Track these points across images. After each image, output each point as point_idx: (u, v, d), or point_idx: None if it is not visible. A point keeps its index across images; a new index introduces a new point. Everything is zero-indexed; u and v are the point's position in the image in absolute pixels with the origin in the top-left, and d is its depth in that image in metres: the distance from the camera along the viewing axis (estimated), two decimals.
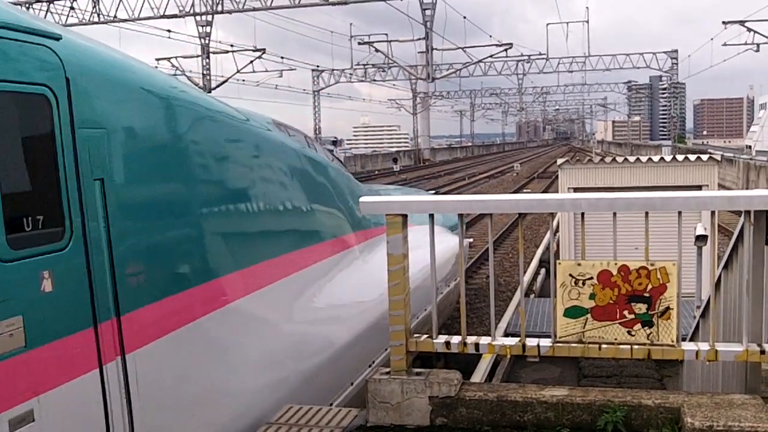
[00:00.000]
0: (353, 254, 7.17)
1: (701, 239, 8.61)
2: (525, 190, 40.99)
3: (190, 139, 4.39)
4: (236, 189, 4.95)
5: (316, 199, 6.43)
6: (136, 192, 3.73)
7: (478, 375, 8.94)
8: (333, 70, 62.09)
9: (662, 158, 12.37)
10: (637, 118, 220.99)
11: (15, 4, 36.10)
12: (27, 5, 37.07)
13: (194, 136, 4.44)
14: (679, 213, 3.85)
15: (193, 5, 36.07)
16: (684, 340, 4.10)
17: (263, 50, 44.93)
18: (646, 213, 3.86)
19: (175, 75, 45.20)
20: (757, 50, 43.79)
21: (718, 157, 12.78)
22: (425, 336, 4.19)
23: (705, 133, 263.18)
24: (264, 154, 5.54)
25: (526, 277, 15.09)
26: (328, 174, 7.02)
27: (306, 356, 5.48)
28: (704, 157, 12.26)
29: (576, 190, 12.13)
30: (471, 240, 21.97)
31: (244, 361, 4.62)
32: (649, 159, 12.38)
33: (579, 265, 3.84)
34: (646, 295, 3.75)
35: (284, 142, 6.08)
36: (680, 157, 12.37)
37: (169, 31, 39.65)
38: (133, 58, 4.32)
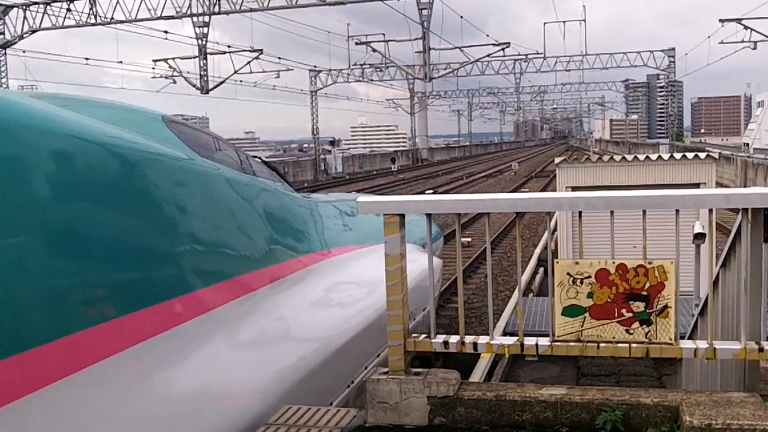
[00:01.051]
0: (263, 296, 5.16)
1: (699, 237, 8.63)
2: (523, 190, 41.01)
3: None
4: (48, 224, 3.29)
5: (206, 225, 4.66)
6: None
7: (477, 374, 8.94)
8: (330, 70, 62.03)
9: (660, 156, 12.38)
10: (634, 117, 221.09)
11: (12, 6, 36.12)
12: (24, 8, 37.07)
13: None
14: (677, 211, 3.85)
15: (190, 6, 36.03)
16: (682, 338, 4.10)
17: (260, 51, 44.92)
18: (644, 211, 3.86)
19: (172, 76, 45.28)
20: (754, 48, 43.86)
21: (716, 155, 12.80)
22: (423, 336, 4.18)
23: (703, 131, 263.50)
24: (106, 168, 3.83)
25: (525, 277, 15.10)
26: (235, 189, 5.24)
27: None
28: (702, 155, 12.27)
29: (574, 188, 12.13)
30: (469, 239, 22.01)
31: None
32: (647, 157, 12.38)
33: (577, 263, 3.83)
34: (644, 293, 3.74)
35: (154, 149, 4.31)
36: (678, 156, 12.37)
37: (166, 32, 39.64)
38: None
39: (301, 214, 6.56)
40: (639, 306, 3.76)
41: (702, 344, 3.84)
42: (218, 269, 4.72)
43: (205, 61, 42.25)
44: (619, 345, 3.81)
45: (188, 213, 4.49)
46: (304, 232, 6.49)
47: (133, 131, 4.33)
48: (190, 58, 43.02)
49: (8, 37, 38.35)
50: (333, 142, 68.42)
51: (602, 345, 3.83)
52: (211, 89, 44.04)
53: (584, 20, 51.75)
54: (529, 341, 3.98)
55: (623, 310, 3.78)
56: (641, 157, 12.51)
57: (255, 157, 6.60)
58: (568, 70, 62.61)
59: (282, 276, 5.57)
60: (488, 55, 49.21)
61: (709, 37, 47.39)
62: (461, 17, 45.92)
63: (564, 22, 53.00)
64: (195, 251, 4.46)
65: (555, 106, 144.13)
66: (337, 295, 6.40)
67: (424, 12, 37.94)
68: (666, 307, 3.73)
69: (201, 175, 4.75)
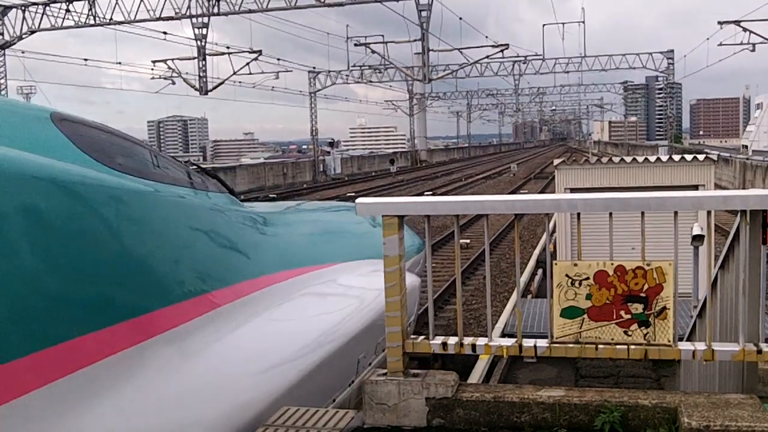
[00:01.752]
0: (181, 338, 3.99)
1: (698, 239, 8.63)
2: (522, 191, 41.02)
3: None
4: None
5: (97, 254, 3.53)
6: None
7: (475, 376, 8.95)
8: (329, 71, 62.10)
9: (658, 158, 12.39)
10: (633, 119, 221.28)
11: (10, 7, 36.10)
12: (23, 8, 37.06)
13: None
14: (675, 213, 3.85)
15: (189, 7, 36.06)
16: (681, 339, 4.10)
17: (259, 52, 44.96)
18: (642, 213, 3.86)
19: (171, 77, 45.29)
20: (753, 50, 43.94)
21: (715, 157, 12.80)
22: (422, 337, 4.18)
23: (701, 133, 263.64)
24: None
25: (524, 278, 15.10)
26: (144, 205, 4.10)
27: None
28: (700, 157, 12.27)
29: (573, 190, 12.14)
30: (468, 241, 22.00)
31: None
32: (646, 159, 12.39)
33: (575, 265, 3.83)
34: (643, 295, 3.74)
35: (21, 159, 3.27)
36: (676, 157, 12.38)
37: (165, 33, 39.69)
38: None
39: (239, 233, 5.34)
40: (637, 307, 3.76)
41: (700, 346, 3.84)
42: (110, 311, 3.56)
43: (204, 62, 42.26)
44: (618, 346, 3.81)
45: (71, 240, 3.39)
46: (239, 255, 5.21)
47: (10, 134, 3.55)
48: (189, 59, 43.05)
49: (7, 37, 38.35)
50: (332, 144, 68.45)
51: (601, 346, 3.83)
52: (210, 90, 44.06)
53: (583, 22, 51.87)
54: (528, 343, 3.98)
55: (622, 312, 3.78)
56: (640, 158, 12.51)
57: (188, 162, 5.68)
58: (567, 72, 62.87)
59: (199, 314, 4.26)
60: (487, 57, 49.25)
61: (707, 39, 47.49)
62: (460, 19, 46.02)
63: (563, 23, 53.22)
64: (81, 288, 3.42)
65: (554, 107, 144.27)
66: (266, 338, 4.87)
67: (423, 13, 37.98)
68: (664, 308, 3.74)
69: (95, 188, 3.69)
